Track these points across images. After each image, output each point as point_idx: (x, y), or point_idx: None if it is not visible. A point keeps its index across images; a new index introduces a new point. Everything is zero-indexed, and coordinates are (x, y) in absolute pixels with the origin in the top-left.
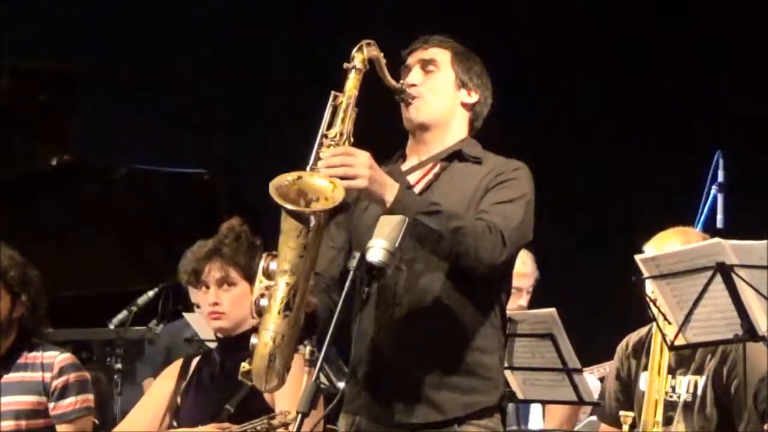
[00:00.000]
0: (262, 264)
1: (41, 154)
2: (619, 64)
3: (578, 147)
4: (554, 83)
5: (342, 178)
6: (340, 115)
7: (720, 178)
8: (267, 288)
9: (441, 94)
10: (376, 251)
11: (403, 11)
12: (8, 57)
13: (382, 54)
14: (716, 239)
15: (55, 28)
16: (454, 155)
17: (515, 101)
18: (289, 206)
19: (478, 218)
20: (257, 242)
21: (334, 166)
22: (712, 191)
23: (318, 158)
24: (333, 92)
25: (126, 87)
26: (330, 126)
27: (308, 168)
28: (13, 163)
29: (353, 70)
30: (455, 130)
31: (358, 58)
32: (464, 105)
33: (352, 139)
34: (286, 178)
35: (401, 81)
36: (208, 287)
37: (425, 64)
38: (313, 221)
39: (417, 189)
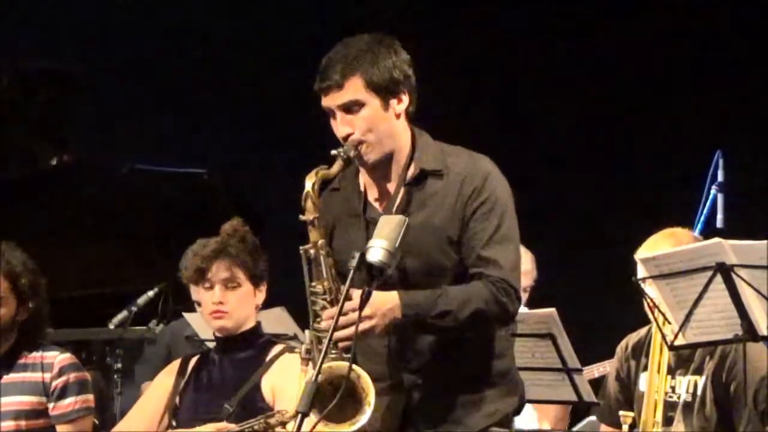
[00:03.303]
0: None
1: (41, 154)
2: (619, 63)
3: (579, 147)
4: (554, 83)
5: (351, 338)
6: (319, 267)
7: (720, 178)
8: None
9: (376, 126)
10: (376, 251)
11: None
12: (8, 57)
13: (321, 169)
14: (716, 239)
15: (54, 28)
16: (416, 177)
17: (515, 100)
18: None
19: (478, 271)
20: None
21: (341, 328)
22: (712, 191)
23: (316, 315)
24: (301, 248)
25: (126, 87)
26: (311, 278)
27: (311, 323)
28: (13, 163)
29: (310, 225)
30: (402, 141)
31: (309, 209)
32: (398, 115)
33: (340, 289)
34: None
35: (338, 148)
36: (212, 286)
37: (346, 108)
38: None
39: None
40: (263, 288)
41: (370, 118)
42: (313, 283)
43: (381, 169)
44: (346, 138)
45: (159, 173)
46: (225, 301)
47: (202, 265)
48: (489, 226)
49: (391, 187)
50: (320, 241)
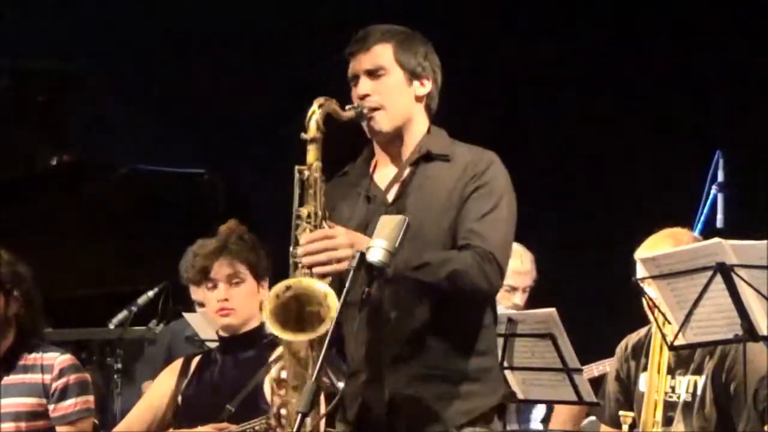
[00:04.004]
0: (273, 374)
1: (41, 154)
2: (619, 63)
3: (579, 147)
4: (555, 82)
5: (326, 263)
6: (309, 191)
7: (720, 178)
8: (282, 399)
9: (396, 96)
10: (376, 251)
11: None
12: (8, 57)
13: (332, 101)
14: (716, 239)
15: (55, 29)
16: (422, 157)
17: (515, 99)
18: (288, 337)
19: (465, 243)
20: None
21: (316, 253)
22: (712, 191)
23: (297, 241)
24: (297, 167)
25: (126, 87)
26: (302, 203)
27: (291, 248)
28: (13, 163)
29: (311, 143)
30: (417, 126)
31: (312, 128)
32: (419, 98)
33: (327, 215)
34: (277, 293)
35: (352, 104)
36: (215, 285)
37: (370, 72)
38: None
39: (390, 196)
40: (266, 284)
41: (392, 86)
42: (301, 208)
43: (391, 148)
44: (363, 98)
45: (159, 173)
46: (230, 298)
47: (204, 264)
48: (484, 205)
49: (398, 168)
50: (315, 163)
